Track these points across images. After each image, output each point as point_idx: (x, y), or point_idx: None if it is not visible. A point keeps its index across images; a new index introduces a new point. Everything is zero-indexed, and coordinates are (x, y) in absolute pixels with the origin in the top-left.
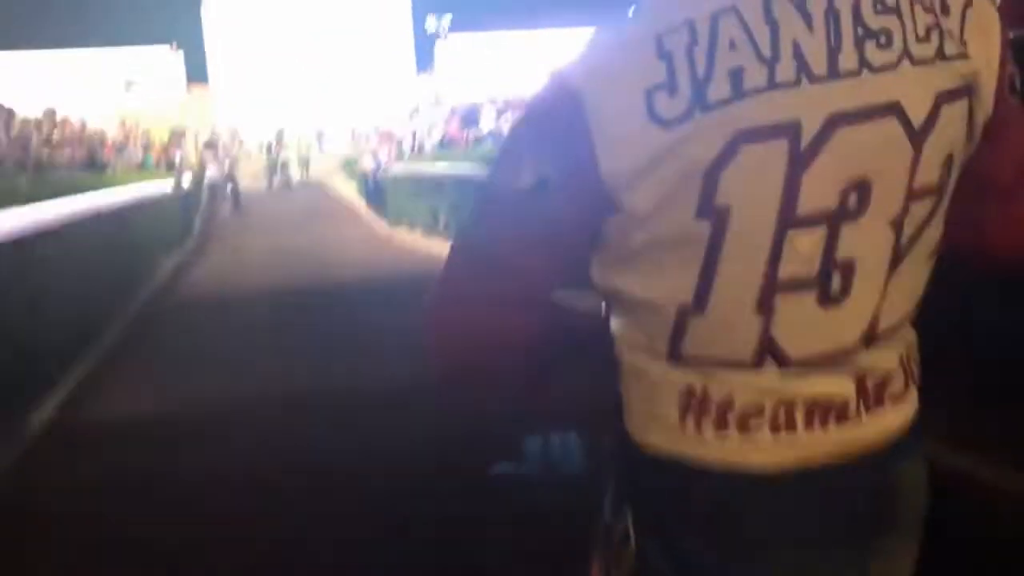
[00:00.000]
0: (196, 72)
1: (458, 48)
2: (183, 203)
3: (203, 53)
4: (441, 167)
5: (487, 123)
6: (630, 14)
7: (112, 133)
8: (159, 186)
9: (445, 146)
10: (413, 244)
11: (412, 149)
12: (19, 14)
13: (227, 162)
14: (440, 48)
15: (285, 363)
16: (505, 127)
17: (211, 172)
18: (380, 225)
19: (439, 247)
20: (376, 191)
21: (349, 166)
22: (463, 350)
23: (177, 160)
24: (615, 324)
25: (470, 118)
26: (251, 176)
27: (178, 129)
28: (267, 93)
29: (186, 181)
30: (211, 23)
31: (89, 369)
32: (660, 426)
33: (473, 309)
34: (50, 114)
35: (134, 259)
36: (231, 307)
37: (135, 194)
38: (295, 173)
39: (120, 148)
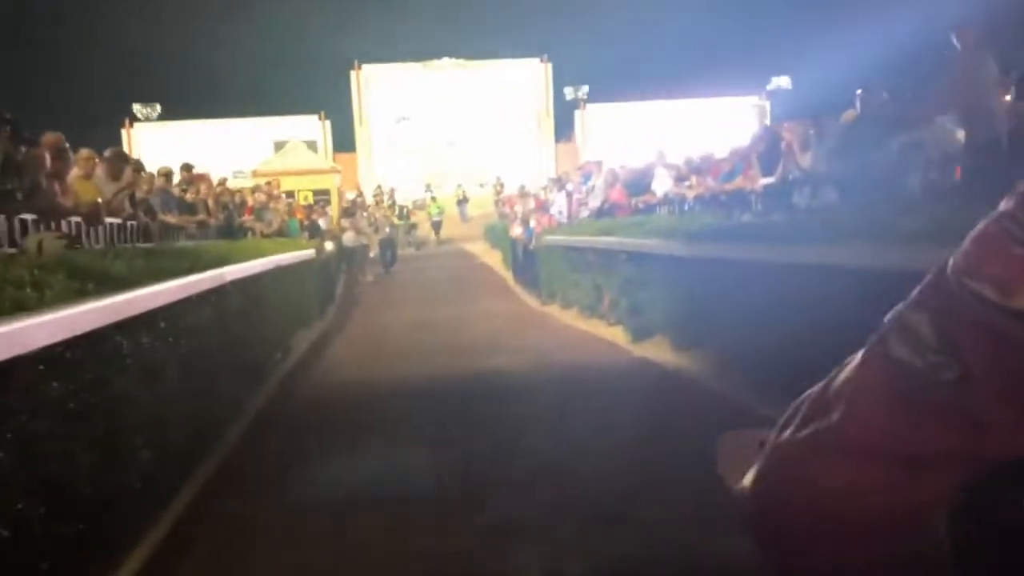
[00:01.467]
0: (342, 142)
1: (596, 116)
2: (324, 270)
3: (351, 122)
4: (607, 240)
5: (661, 186)
6: None
7: (254, 195)
8: (301, 254)
9: (605, 213)
10: (573, 323)
11: (567, 218)
12: (179, 86)
13: (387, 229)
14: (579, 117)
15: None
16: (689, 193)
17: (348, 239)
18: (532, 300)
19: (604, 330)
20: (527, 263)
21: (491, 234)
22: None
23: (322, 225)
24: None
25: (638, 183)
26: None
27: (322, 195)
28: (410, 161)
29: (329, 247)
30: (358, 94)
31: (190, 498)
32: None
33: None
34: (187, 167)
35: (269, 332)
36: (371, 402)
37: (275, 261)
38: (428, 237)
39: (261, 211)
